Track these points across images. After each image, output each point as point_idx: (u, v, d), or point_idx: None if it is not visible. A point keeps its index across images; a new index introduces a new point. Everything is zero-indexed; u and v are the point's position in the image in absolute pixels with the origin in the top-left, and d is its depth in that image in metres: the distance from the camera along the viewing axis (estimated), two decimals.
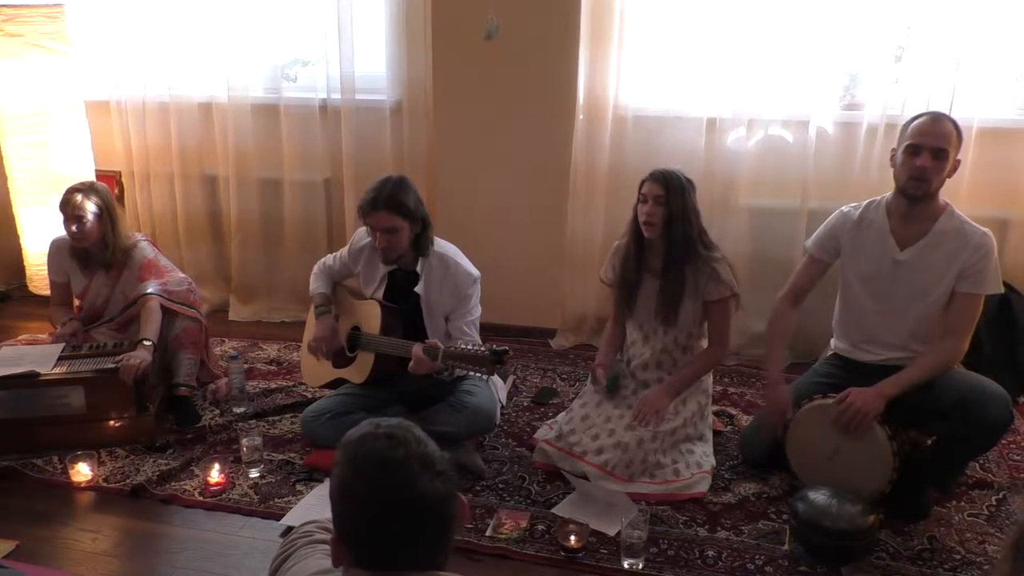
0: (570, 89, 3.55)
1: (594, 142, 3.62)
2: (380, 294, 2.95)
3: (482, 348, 2.59)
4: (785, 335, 2.77)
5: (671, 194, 2.68)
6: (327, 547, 1.45)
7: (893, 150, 2.55)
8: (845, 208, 2.71)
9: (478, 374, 2.59)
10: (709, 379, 2.95)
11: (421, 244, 2.86)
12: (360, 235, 3.02)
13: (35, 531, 2.54)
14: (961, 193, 3.27)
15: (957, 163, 2.49)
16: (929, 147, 2.43)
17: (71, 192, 3.13)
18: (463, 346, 2.63)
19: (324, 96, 4.02)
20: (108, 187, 3.31)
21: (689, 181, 2.75)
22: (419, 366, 2.65)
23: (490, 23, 3.49)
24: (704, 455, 2.78)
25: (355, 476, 1.18)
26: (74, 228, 3.12)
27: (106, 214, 3.16)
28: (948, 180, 2.53)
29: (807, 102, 3.44)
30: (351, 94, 3.92)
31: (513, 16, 3.50)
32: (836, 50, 3.38)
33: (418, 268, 2.88)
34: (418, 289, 2.86)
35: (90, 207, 3.11)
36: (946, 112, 2.98)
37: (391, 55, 3.89)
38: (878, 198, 2.65)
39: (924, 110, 3.11)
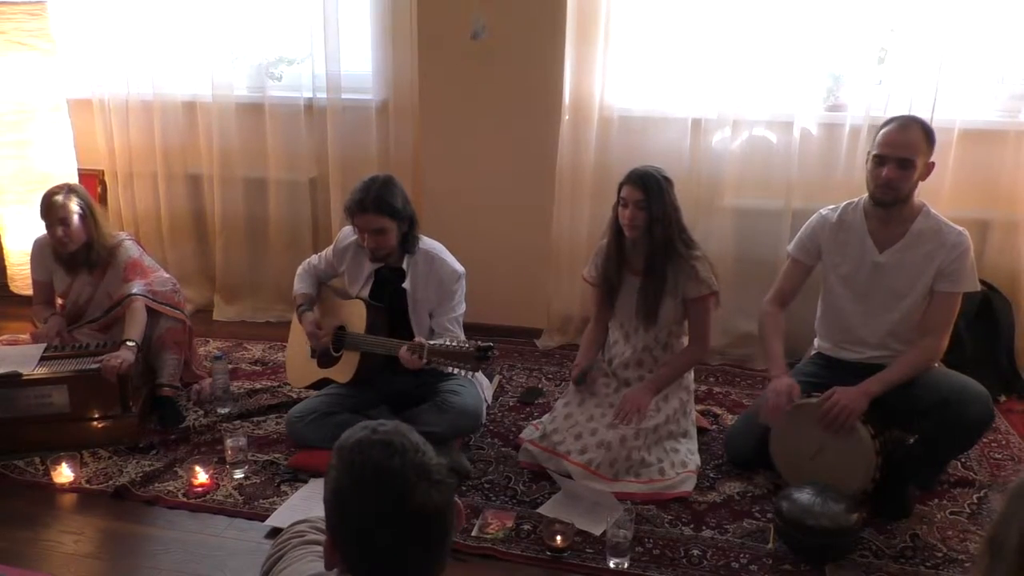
0: (556, 89, 3.55)
1: (580, 142, 3.63)
2: (366, 292, 2.95)
3: (467, 344, 2.59)
4: (778, 333, 2.75)
5: (651, 197, 2.69)
6: (320, 548, 1.44)
7: (869, 152, 2.56)
8: (823, 211, 2.73)
9: (462, 370, 2.60)
10: (691, 376, 2.96)
11: (408, 241, 2.86)
12: (345, 233, 3.01)
13: (17, 533, 2.52)
14: (943, 194, 3.30)
15: (931, 166, 2.50)
16: (894, 158, 2.44)
17: (51, 196, 3.10)
18: (448, 343, 2.63)
19: (310, 95, 4.00)
20: (86, 184, 3.28)
21: (667, 179, 2.74)
22: (406, 364, 2.66)
23: (476, 23, 3.49)
24: (689, 453, 2.79)
25: (351, 484, 1.15)
26: (60, 233, 3.09)
27: (89, 214, 3.14)
28: (929, 181, 2.55)
29: (791, 103, 3.46)
30: (337, 93, 3.90)
31: (499, 16, 3.50)
32: (820, 52, 3.40)
33: (404, 265, 2.88)
34: (405, 285, 2.86)
35: (73, 208, 3.09)
36: (924, 115, 3.01)
37: (377, 54, 3.88)
38: (855, 200, 2.67)
39: (907, 111, 3.17)
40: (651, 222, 2.71)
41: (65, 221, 3.08)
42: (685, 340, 2.92)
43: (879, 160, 2.48)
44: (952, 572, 2.32)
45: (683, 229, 2.80)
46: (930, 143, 2.47)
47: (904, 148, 2.44)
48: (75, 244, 3.14)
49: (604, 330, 3.02)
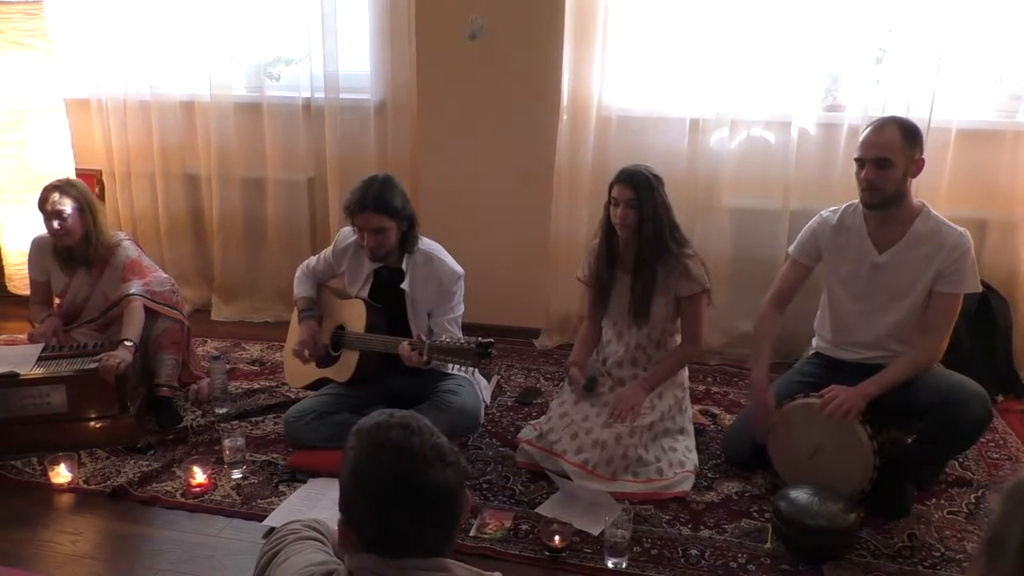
0: (554, 89, 3.55)
1: (578, 142, 3.63)
2: (365, 292, 2.95)
3: (468, 341, 2.59)
4: (770, 337, 2.79)
5: (641, 196, 2.70)
6: (317, 543, 1.46)
7: None
8: (824, 212, 2.74)
9: (463, 367, 2.60)
10: (685, 373, 2.96)
11: (407, 241, 2.87)
12: (345, 234, 3.01)
13: (14, 534, 2.51)
14: (941, 194, 3.30)
15: (920, 162, 2.51)
16: (870, 158, 2.47)
17: (48, 190, 3.11)
18: (449, 339, 2.63)
19: (308, 95, 4.00)
20: (85, 182, 3.28)
21: (657, 177, 2.75)
22: (407, 362, 2.67)
23: (474, 23, 3.49)
24: (687, 452, 2.79)
25: (370, 464, 1.21)
26: (56, 225, 3.09)
27: (86, 209, 3.14)
28: (926, 181, 2.54)
29: (789, 103, 3.46)
30: (335, 93, 3.90)
31: (497, 16, 3.50)
32: (818, 52, 3.40)
33: (403, 265, 2.88)
34: (404, 285, 2.86)
35: (69, 203, 3.09)
36: (921, 115, 3.02)
37: (375, 54, 3.88)
38: (855, 201, 2.67)
39: (904, 112, 3.18)
40: (642, 221, 2.72)
41: (61, 215, 3.08)
42: (678, 338, 2.92)
43: (859, 163, 2.52)
44: (950, 571, 2.32)
45: (675, 227, 2.80)
46: (910, 140, 2.48)
47: (879, 148, 2.46)
48: (72, 238, 3.14)
49: (598, 329, 3.02)
